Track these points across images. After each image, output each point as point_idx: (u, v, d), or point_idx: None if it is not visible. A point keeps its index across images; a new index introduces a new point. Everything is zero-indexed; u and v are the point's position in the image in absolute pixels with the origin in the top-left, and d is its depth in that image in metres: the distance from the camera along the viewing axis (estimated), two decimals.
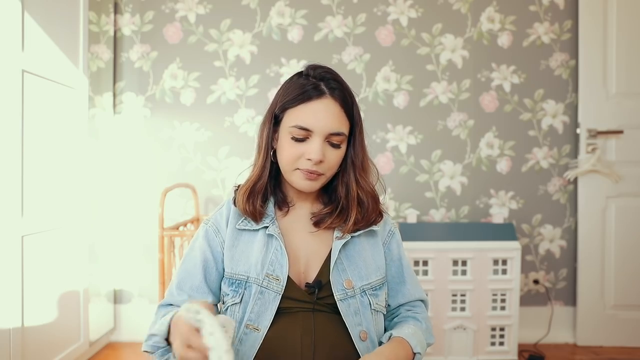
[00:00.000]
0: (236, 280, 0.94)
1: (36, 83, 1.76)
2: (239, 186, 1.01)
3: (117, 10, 2.39)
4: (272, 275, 0.92)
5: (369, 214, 0.97)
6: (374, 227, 1.00)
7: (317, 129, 0.90)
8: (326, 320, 0.92)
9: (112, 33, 2.37)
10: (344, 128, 0.94)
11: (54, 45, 1.89)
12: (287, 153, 0.92)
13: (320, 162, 0.91)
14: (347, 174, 0.98)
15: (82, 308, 2.07)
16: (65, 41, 1.97)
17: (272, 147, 0.97)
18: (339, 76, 0.96)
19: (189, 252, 1.01)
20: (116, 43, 2.40)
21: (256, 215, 0.95)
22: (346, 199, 0.97)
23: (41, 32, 1.80)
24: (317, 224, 0.98)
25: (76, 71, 2.05)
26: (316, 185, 0.95)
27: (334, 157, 0.94)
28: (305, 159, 0.91)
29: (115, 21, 2.39)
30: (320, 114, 0.91)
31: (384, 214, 1.02)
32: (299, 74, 0.97)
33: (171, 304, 0.97)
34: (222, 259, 0.97)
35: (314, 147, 0.90)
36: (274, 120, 0.96)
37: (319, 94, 0.92)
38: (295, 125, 0.91)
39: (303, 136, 0.91)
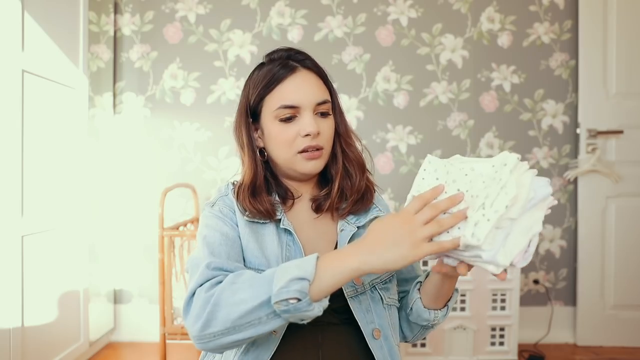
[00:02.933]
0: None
1: (36, 83, 1.76)
2: (239, 185, 0.93)
3: (117, 10, 2.39)
4: None
5: (357, 184, 0.93)
6: (380, 214, 0.94)
7: (303, 103, 0.87)
8: (333, 334, 0.86)
9: (112, 33, 2.37)
10: (327, 95, 0.91)
11: (54, 45, 1.89)
12: (281, 138, 0.88)
13: (317, 134, 0.87)
14: (335, 146, 0.94)
15: (82, 308, 2.07)
16: (65, 41, 1.97)
17: (257, 146, 0.93)
18: (301, 50, 0.94)
19: (208, 231, 0.87)
20: (116, 43, 2.40)
21: (270, 212, 0.88)
22: (336, 173, 0.94)
23: (41, 32, 1.80)
24: (317, 209, 0.94)
25: (76, 71, 2.05)
26: (320, 163, 0.90)
27: (327, 127, 0.90)
28: (301, 137, 0.87)
29: (115, 21, 2.39)
30: (302, 87, 0.87)
31: (375, 187, 0.98)
32: (260, 66, 0.94)
33: (224, 270, 0.80)
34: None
35: (307, 121, 0.86)
36: (252, 117, 0.92)
37: (291, 69, 0.89)
38: (280, 106, 0.87)
39: (291, 114, 0.87)
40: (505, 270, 0.69)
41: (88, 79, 2.18)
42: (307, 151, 0.88)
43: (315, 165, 0.90)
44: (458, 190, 0.71)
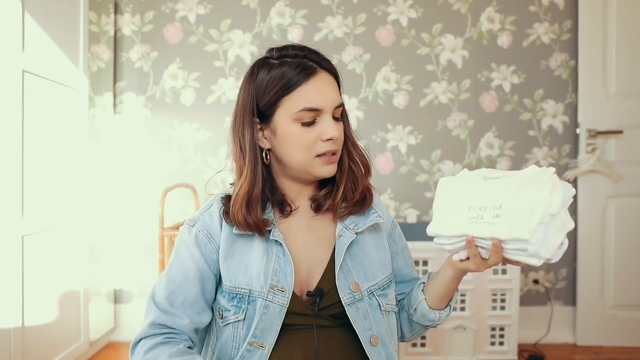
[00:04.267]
0: (237, 294, 0.85)
1: (36, 83, 1.76)
2: (229, 197, 0.90)
3: (117, 10, 2.39)
4: (276, 286, 0.84)
5: (361, 185, 0.93)
6: (379, 220, 0.94)
7: (325, 106, 0.86)
8: (330, 337, 0.86)
9: (112, 33, 2.37)
10: (341, 98, 0.91)
11: (54, 45, 1.89)
12: (301, 141, 0.85)
13: (337, 138, 0.87)
14: (342, 148, 0.92)
15: (82, 308, 2.07)
16: (66, 41, 1.97)
17: (262, 148, 0.89)
18: (314, 49, 0.91)
19: (175, 260, 0.89)
20: (116, 43, 2.40)
21: (260, 227, 0.86)
22: (341, 175, 0.93)
23: (41, 32, 1.80)
24: (317, 208, 0.92)
25: (76, 71, 2.05)
26: (335, 167, 0.90)
27: (342, 130, 0.90)
28: (322, 141, 0.86)
29: (115, 21, 2.39)
30: (324, 90, 0.86)
31: (373, 191, 0.97)
32: (266, 65, 0.88)
33: (168, 327, 0.88)
34: (219, 267, 0.88)
35: (330, 125, 0.86)
36: (259, 118, 0.88)
37: (312, 70, 0.86)
38: (303, 108, 0.84)
39: (313, 117, 0.85)
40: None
41: (88, 79, 2.18)
42: (325, 155, 0.87)
43: (331, 170, 0.89)
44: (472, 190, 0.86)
